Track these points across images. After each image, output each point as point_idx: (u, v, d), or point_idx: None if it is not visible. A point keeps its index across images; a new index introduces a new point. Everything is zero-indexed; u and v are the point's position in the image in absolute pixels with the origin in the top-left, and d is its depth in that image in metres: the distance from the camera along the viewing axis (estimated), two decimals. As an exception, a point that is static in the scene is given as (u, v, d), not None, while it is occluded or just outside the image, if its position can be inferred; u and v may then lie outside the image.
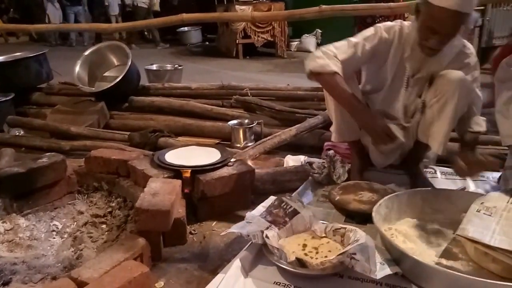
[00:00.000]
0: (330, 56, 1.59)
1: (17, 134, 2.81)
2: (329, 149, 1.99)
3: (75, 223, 1.60)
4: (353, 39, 1.65)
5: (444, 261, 1.27)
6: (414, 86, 1.69)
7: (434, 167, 1.95)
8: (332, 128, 1.83)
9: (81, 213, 1.66)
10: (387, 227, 1.36)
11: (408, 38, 1.62)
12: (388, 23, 1.68)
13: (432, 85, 1.63)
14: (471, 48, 1.68)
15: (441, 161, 1.96)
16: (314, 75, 1.61)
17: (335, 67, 1.57)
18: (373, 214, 1.36)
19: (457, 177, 1.88)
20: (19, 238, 1.44)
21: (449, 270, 1.13)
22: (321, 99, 2.87)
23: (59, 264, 1.34)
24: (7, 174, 1.53)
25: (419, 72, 1.66)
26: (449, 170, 1.92)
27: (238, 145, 2.47)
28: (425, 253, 1.29)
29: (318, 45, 7.53)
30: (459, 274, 1.10)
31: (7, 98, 3.03)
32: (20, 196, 1.56)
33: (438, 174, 1.92)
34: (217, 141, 2.58)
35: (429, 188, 1.66)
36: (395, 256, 1.26)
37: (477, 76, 1.69)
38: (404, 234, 1.38)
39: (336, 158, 1.92)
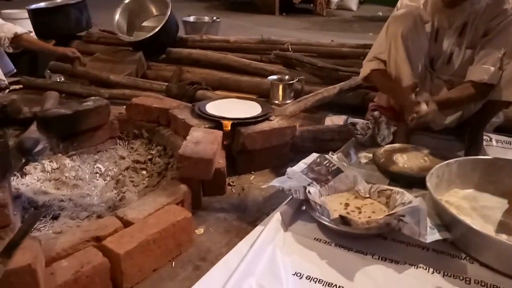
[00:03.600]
0: (369, 59, 1.86)
1: (58, 80, 2.85)
2: (374, 110, 1.90)
3: (117, 167, 1.62)
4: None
5: (504, 236, 1.20)
6: (449, 38, 1.70)
7: (490, 134, 1.84)
8: None
9: (123, 158, 1.68)
10: (438, 199, 1.30)
11: None
12: None
13: None
14: None
15: (499, 129, 1.85)
16: (364, 81, 1.95)
17: (370, 66, 1.82)
18: (427, 184, 1.30)
19: None
20: (65, 177, 1.47)
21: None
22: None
23: (104, 204, 1.37)
24: (55, 115, 1.54)
25: (454, 24, 1.67)
26: (506, 138, 1.82)
27: (276, 101, 2.41)
28: (483, 228, 1.22)
29: (360, 3, 7.13)
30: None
31: (49, 45, 3.04)
32: (66, 138, 1.58)
33: (494, 142, 1.81)
34: (254, 97, 2.52)
35: (481, 157, 1.56)
36: (446, 222, 1.20)
37: None
38: (457, 206, 1.31)
39: (381, 120, 1.83)
